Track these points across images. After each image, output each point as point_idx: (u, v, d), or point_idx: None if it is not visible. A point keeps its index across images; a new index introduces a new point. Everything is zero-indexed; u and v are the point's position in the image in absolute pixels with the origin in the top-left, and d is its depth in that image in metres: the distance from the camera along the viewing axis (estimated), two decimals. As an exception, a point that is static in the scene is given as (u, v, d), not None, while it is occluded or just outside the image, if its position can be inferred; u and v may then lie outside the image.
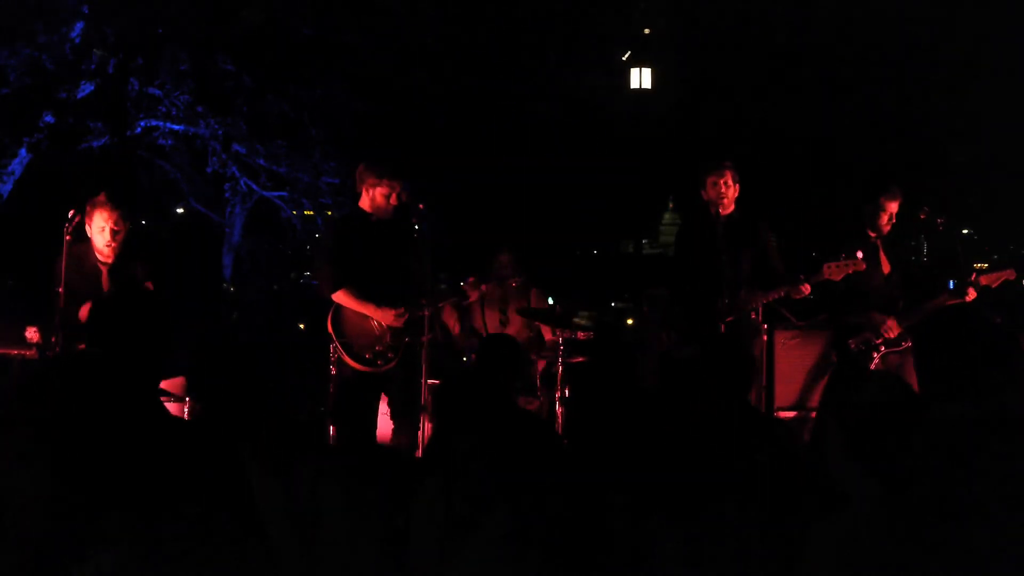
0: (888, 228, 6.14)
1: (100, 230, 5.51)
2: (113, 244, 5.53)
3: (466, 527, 2.92)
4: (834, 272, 5.83)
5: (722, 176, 5.98)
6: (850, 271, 5.83)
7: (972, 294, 5.94)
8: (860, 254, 5.82)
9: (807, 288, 5.87)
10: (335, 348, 5.76)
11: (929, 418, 2.40)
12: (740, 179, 6.07)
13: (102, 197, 5.54)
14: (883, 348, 5.99)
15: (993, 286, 6.02)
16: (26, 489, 2.01)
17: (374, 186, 5.79)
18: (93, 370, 2.29)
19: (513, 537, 2.87)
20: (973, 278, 5.99)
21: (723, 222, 6.01)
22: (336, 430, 4.39)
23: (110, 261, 5.59)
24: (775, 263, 6.04)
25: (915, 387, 2.72)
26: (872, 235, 6.16)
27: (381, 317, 5.73)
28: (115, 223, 5.51)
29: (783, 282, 5.92)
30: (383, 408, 5.95)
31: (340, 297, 5.76)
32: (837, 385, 6.16)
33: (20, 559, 1.90)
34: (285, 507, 2.95)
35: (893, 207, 6.11)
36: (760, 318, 6.02)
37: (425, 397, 5.93)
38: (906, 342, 5.91)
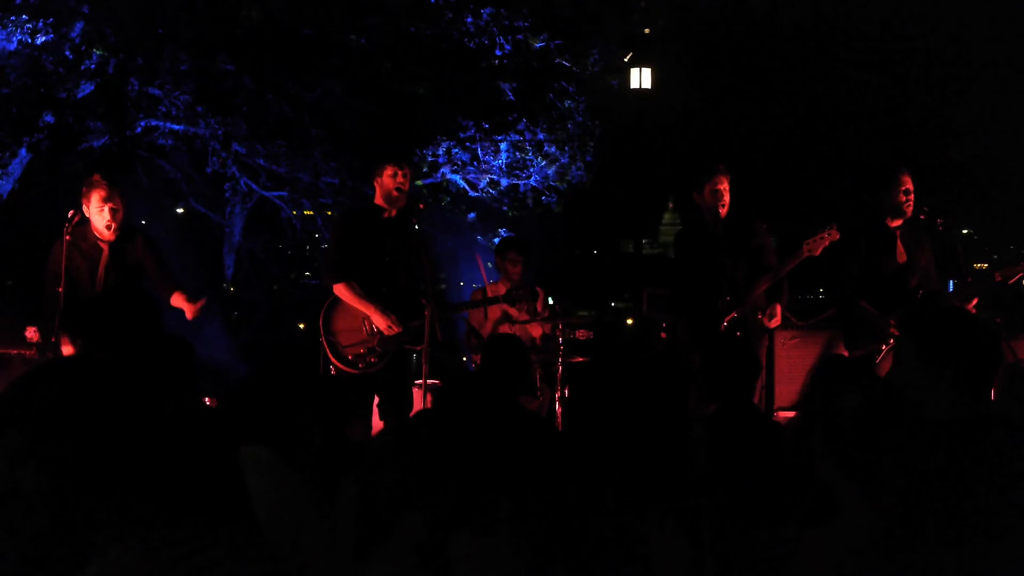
0: (909, 209, 6.11)
1: (99, 210, 5.55)
2: (113, 224, 5.57)
3: (379, 533, 2.90)
4: (813, 247, 5.91)
5: (717, 181, 6.04)
6: (827, 243, 5.90)
7: (985, 286, 5.95)
8: (835, 226, 5.91)
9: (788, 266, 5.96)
10: (322, 346, 5.80)
11: (922, 419, 2.40)
12: (733, 180, 6.12)
13: (97, 177, 5.59)
14: (892, 342, 5.99)
15: (1010, 282, 6.01)
16: (24, 490, 2.01)
17: (381, 172, 5.88)
18: (85, 368, 2.28)
19: (422, 548, 2.85)
20: (995, 275, 5.99)
21: (722, 225, 6.05)
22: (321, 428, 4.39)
23: (111, 239, 5.62)
24: (770, 262, 6.07)
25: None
26: (893, 224, 6.15)
27: (377, 321, 5.75)
28: (113, 202, 5.56)
29: (766, 272, 5.98)
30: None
31: (341, 290, 5.79)
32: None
33: (19, 561, 1.90)
34: (280, 507, 2.94)
35: (907, 182, 6.11)
36: (764, 318, 6.02)
37: (423, 398, 5.95)
38: None
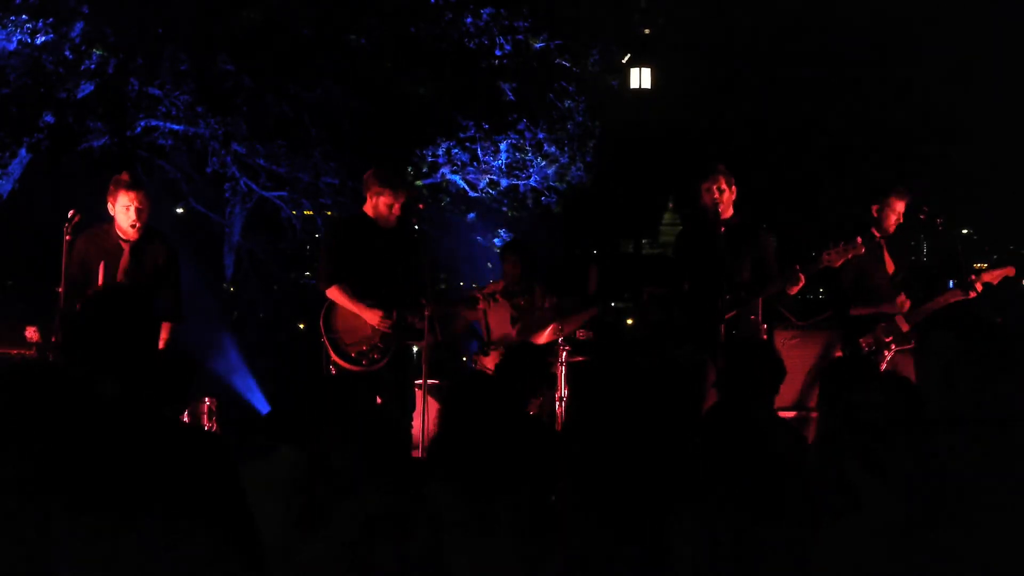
0: (894, 228, 6.19)
1: (125, 209, 5.58)
2: (138, 224, 5.60)
3: (317, 519, 2.86)
4: (834, 258, 5.84)
5: (715, 182, 5.99)
6: (849, 256, 5.83)
7: (976, 291, 5.98)
8: (860, 239, 5.82)
9: (802, 279, 5.84)
10: (324, 344, 5.81)
11: (931, 419, 2.40)
12: (736, 182, 6.07)
13: (125, 176, 5.62)
14: (893, 347, 6.02)
15: (995, 283, 6.06)
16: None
17: (377, 195, 5.86)
18: (63, 373, 2.27)
19: (357, 538, 2.81)
20: (974, 277, 6.03)
21: (723, 227, 6.00)
22: (322, 428, 4.37)
23: (134, 239, 5.63)
24: (771, 268, 6.04)
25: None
26: (877, 235, 6.19)
27: (369, 318, 5.76)
28: (139, 202, 5.60)
29: (776, 279, 5.92)
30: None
31: (333, 293, 5.81)
32: (837, 383, 6.17)
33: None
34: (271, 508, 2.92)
35: (901, 207, 6.17)
36: (760, 318, 6.02)
37: (423, 398, 5.96)
38: (913, 340, 5.97)
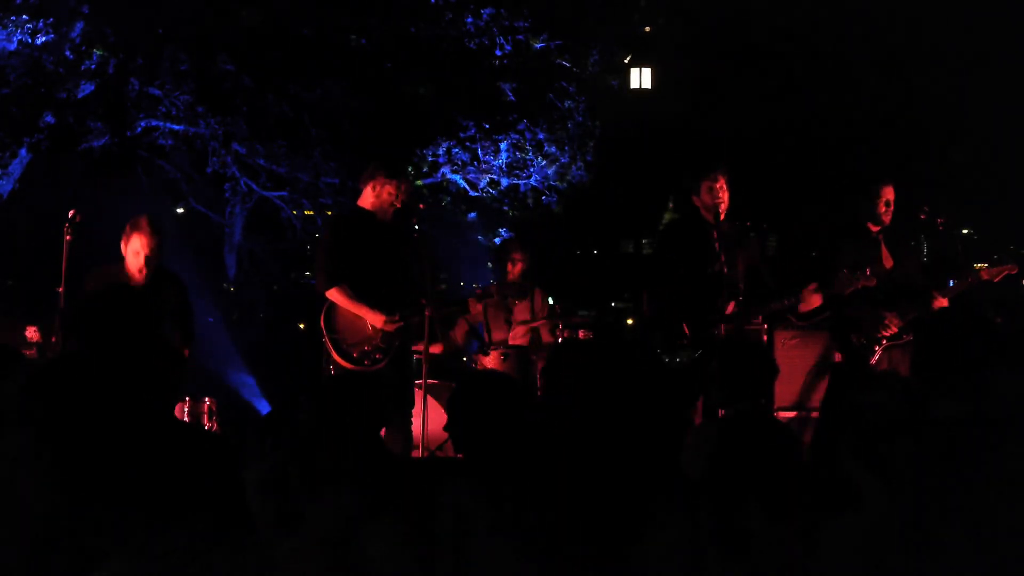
0: (888, 219, 6.13)
1: (135, 253, 5.64)
2: (145, 270, 5.64)
3: (293, 517, 2.84)
4: (843, 286, 5.82)
5: (716, 181, 5.94)
6: (858, 286, 5.81)
7: (967, 283, 5.95)
8: (869, 271, 5.81)
9: (818, 299, 5.84)
10: (325, 344, 5.80)
11: (929, 417, 2.41)
12: (734, 185, 6.03)
13: (143, 221, 5.66)
14: (885, 342, 6.00)
15: (995, 280, 6.02)
16: (28, 493, 2.00)
17: (383, 185, 5.85)
18: (90, 370, 2.28)
19: (332, 536, 2.79)
20: (974, 270, 6.00)
21: (719, 226, 5.98)
22: (325, 429, 4.36)
23: (141, 282, 5.68)
24: (766, 275, 6.00)
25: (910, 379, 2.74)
26: (874, 229, 6.15)
27: (372, 320, 5.76)
28: (150, 250, 5.63)
29: (788, 292, 5.89)
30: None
31: (334, 294, 5.79)
32: (840, 384, 6.15)
33: (22, 565, 1.89)
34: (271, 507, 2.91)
35: (888, 194, 6.10)
36: (760, 319, 6.01)
37: (423, 398, 5.96)
38: (907, 336, 5.93)
